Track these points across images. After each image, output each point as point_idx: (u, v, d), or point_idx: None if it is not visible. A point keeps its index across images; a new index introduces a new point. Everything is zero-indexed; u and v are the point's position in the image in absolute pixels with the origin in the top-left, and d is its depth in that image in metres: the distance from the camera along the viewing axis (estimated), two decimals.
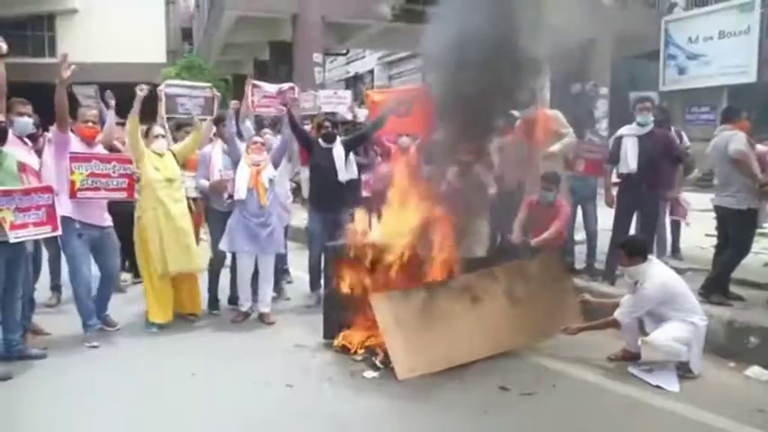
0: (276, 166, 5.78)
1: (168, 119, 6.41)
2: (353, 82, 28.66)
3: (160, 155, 5.46)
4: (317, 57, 15.47)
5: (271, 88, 7.36)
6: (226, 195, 5.71)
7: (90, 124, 5.13)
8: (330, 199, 6.04)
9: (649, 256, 4.62)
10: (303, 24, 15.14)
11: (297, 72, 14.99)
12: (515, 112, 7.38)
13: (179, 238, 5.39)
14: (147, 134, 5.51)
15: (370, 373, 4.43)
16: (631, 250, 4.59)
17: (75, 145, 5.06)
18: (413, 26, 12.90)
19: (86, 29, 24.82)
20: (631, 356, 4.65)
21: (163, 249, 5.31)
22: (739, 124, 5.38)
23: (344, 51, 24.24)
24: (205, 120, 6.30)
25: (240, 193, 5.48)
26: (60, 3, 25.85)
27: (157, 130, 5.58)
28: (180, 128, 6.43)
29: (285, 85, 7.63)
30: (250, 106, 7.06)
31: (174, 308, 5.57)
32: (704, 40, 17.24)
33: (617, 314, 4.56)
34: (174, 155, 5.62)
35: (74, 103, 5.48)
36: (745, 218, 5.25)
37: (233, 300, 6.04)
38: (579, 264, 6.50)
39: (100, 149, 5.31)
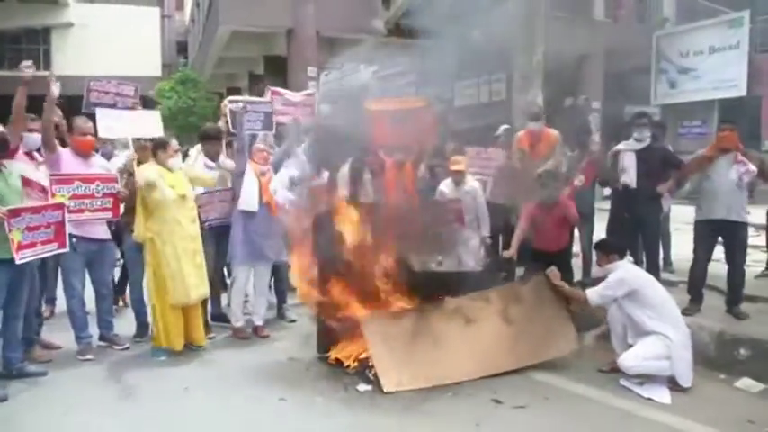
0: (275, 172, 5.77)
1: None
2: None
3: (171, 171, 5.16)
4: (312, 71, 15.53)
5: (293, 96, 7.07)
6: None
7: (88, 137, 5.05)
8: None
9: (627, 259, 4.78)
10: (298, 39, 15.22)
11: (291, 86, 15.02)
12: (506, 126, 7.49)
13: (195, 260, 5.11)
14: (165, 148, 5.19)
15: (363, 387, 4.44)
16: (608, 249, 4.79)
17: (68, 158, 4.98)
18: (407, 41, 12.99)
19: (81, 42, 24.83)
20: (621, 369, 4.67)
21: (183, 275, 4.98)
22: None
23: (339, 66, 24.35)
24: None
25: (251, 205, 5.42)
26: (56, 16, 25.88)
27: (175, 144, 5.27)
28: (203, 140, 5.99)
29: (306, 92, 7.38)
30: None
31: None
32: (695, 55, 17.44)
33: (588, 292, 4.66)
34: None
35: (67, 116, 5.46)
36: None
37: (217, 317, 5.89)
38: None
39: (97, 161, 5.26)
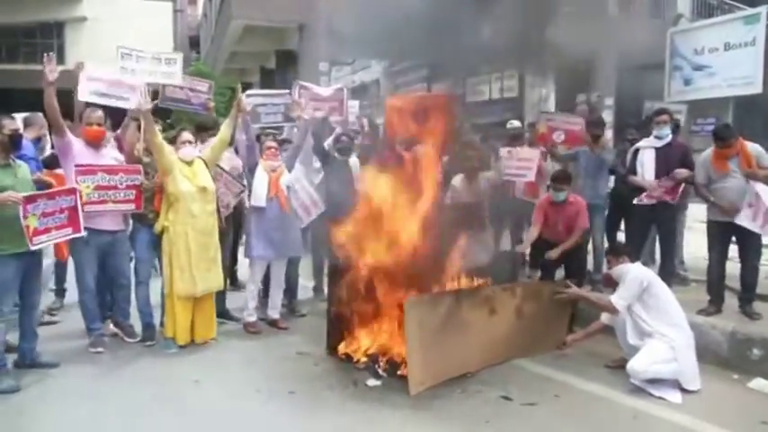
0: (289, 170, 5.75)
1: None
2: (361, 91, 28.71)
3: (188, 163, 5.16)
4: (323, 66, 15.54)
5: (321, 90, 6.82)
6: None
7: (95, 126, 4.99)
8: (345, 212, 5.95)
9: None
10: (309, 34, 15.24)
11: (302, 81, 15.05)
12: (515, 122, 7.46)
13: (208, 254, 5.13)
14: (174, 140, 5.25)
15: (372, 382, 4.44)
16: (618, 252, 4.87)
17: (80, 148, 4.95)
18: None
19: (95, 36, 24.92)
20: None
21: (191, 268, 5.02)
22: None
23: (350, 61, 24.32)
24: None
25: (260, 200, 5.44)
26: (69, 11, 26.06)
27: (185, 135, 5.24)
28: (200, 131, 6.06)
29: (335, 87, 7.15)
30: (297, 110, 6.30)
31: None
32: (710, 52, 17.23)
33: (612, 298, 4.60)
34: (205, 162, 5.31)
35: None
36: None
37: (221, 313, 5.79)
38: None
39: (109, 152, 5.21)
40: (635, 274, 4.59)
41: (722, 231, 5.30)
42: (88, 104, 5.21)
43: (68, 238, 4.62)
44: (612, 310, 4.63)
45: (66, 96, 4.82)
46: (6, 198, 4.12)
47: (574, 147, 6.57)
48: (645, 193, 5.68)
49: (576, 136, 6.42)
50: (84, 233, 4.65)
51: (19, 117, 5.83)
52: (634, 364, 4.35)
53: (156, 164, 5.18)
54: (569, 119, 6.65)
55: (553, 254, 5.54)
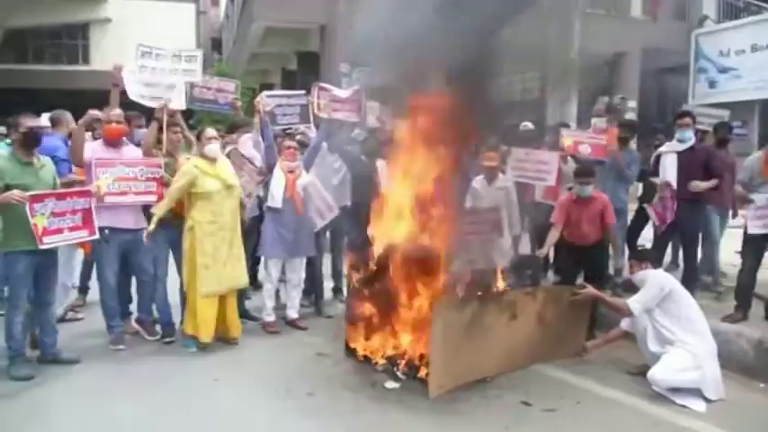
0: (307, 170, 5.76)
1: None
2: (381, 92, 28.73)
3: (212, 159, 5.11)
4: (345, 67, 15.55)
5: (340, 92, 6.72)
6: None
7: (114, 124, 4.99)
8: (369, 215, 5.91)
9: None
10: (331, 35, 15.28)
11: (324, 82, 15.10)
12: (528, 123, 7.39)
13: (233, 251, 5.15)
14: (198, 137, 5.24)
15: (390, 384, 4.43)
16: (642, 257, 4.86)
17: (99, 149, 5.00)
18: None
19: (119, 38, 25.21)
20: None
21: (216, 265, 5.03)
22: None
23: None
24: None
25: (276, 201, 5.47)
26: (94, 12, 26.43)
27: (210, 132, 5.20)
28: (233, 131, 6.03)
29: (353, 88, 7.03)
30: (316, 111, 6.29)
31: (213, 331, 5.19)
32: (736, 54, 16.96)
33: (629, 301, 4.59)
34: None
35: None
36: None
37: (241, 313, 5.75)
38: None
39: (129, 150, 5.18)
40: (655, 279, 4.54)
41: (760, 239, 5.22)
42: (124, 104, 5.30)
43: (82, 240, 4.66)
44: (627, 312, 4.60)
45: (93, 97, 4.89)
46: (9, 197, 4.14)
47: (598, 158, 6.48)
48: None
49: (602, 148, 6.30)
50: (97, 235, 4.69)
51: (45, 116, 5.94)
52: (655, 373, 4.29)
53: (174, 165, 5.22)
54: (593, 133, 6.50)
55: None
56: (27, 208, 4.18)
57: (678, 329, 4.37)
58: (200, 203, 5.02)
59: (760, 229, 5.14)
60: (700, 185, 5.53)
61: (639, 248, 5.33)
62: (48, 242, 4.32)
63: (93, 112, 4.98)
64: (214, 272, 5.03)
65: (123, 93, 5.35)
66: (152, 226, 4.89)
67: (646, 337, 4.53)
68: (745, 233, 5.32)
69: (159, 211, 4.93)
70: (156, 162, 5.13)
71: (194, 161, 5.10)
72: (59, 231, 4.40)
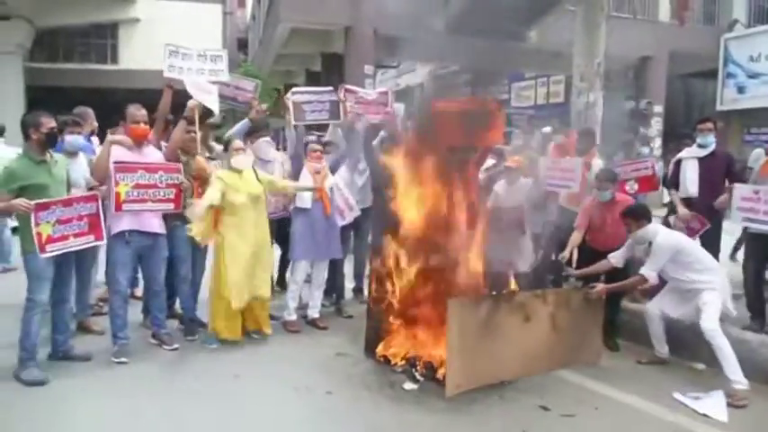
0: (333, 172, 5.81)
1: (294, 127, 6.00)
2: (407, 94, 28.78)
3: (239, 171, 5.15)
4: (369, 69, 15.61)
5: (366, 94, 6.72)
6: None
7: (141, 125, 4.89)
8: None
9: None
10: (355, 37, 15.35)
11: (348, 84, 15.17)
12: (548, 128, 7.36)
13: (261, 263, 5.22)
14: (226, 147, 5.22)
15: (409, 385, 4.45)
16: (638, 215, 4.86)
17: (120, 152, 4.82)
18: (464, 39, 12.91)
19: (147, 37, 25.63)
20: (660, 362, 4.86)
21: (243, 280, 5.07)
22: None
23: (395, 64, 24.39)
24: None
25: (305, 202, 5.54)
26: (123, 12, 26.89)
27: (237, 143, 5.21)
28: (251, 133, 6.05)
29: (380, 90, 7.09)
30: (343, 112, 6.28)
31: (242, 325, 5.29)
32: (767, 59, 16.68)
33: (642, 270, 4.72)
34: (255, 171, 5.33)
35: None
36: None
37: None
38: None
39: (151, 151, 5.03)
40: (662, 243, 4.67)
41: (763, 242, 5.14)
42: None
43: (88, 245, 4.57)
44: (645, 282, 4.76)
45: (121, 95, 4.96)
46: (17, 206, 4.10)
47: (649, 193, 6.44)
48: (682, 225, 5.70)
49: (649, 181, 6.19)
50: (104, 240, 4.64)
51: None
52: (704, 323, 4.37)
53: (193, 164, 5.25)
54: (637, 165, 6.32)
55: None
56: (32, 216, 4.10)
57: (694, 273, 4.60)
58: (227, 216, 5.07)
59: (746, 223, 5.13)
60: (725, 204, 5.48)
61: (632, 205, 5.18)
62: (50, 250, 4.22)
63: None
64: (238, 287, 5.05)
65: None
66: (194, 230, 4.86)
67: (661, 323, 4.83)
68: (746, 239, 5.35)
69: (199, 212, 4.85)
70: (176, 167, 5.01)
71: (221, 173, 5.13)
72: (64, 239, 4.30)
